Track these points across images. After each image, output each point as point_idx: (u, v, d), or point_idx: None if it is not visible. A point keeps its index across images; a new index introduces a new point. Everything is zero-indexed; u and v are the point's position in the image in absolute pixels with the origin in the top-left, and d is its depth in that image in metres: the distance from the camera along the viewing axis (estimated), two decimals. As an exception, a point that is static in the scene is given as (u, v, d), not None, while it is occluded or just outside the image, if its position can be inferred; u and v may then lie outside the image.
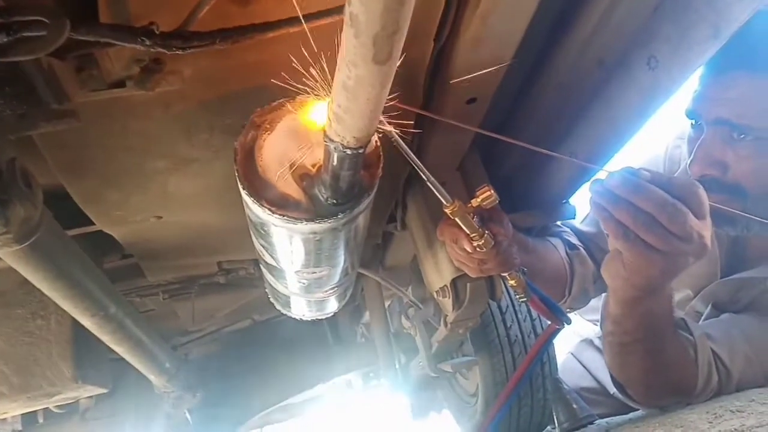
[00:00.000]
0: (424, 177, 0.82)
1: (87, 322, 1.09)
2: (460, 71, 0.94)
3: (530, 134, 1.22)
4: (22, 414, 1.85)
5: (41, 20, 0.50)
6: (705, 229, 0.92)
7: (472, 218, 0.91)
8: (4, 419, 1.82)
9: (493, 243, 0.94)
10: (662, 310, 1.10)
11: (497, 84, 1.01)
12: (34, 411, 1.89)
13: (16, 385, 1.31)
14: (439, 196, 0.85)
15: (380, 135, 0.73)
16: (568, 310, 1.62)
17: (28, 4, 0.50)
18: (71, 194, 1.02)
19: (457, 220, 0.89)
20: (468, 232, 0.92)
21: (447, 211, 0.87)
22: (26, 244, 0.81)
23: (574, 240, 1.62)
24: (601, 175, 0.97)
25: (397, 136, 0.73)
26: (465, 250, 0.97)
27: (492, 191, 0.89)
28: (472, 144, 1.19)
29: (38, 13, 0.48)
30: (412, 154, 0.79)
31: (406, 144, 0.78)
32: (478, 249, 0.94)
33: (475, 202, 0.89)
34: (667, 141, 1.72)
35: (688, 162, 1.33)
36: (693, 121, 1.35)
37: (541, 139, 1.20)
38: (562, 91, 1.13)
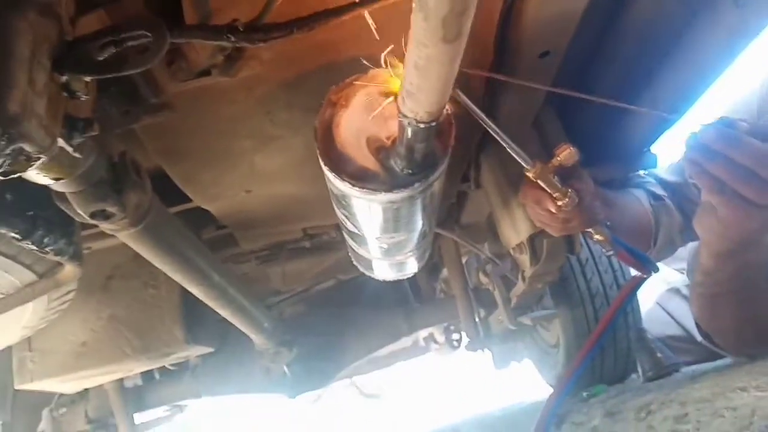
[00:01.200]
0: (504, 144, 0.82)
1: (194, 290, 1.22)
2: (532, 25, 0.93)
3: (609, 83, 1.18)
4: (142, 372, 2.09)
5: (144, 33, 0.56)
6: None
7: (554, 178, 0.89)
8: (129, 376, 2.07)
9: (577, 200, 0.92)
10: (757, 262, 1.05)
11: (571, 34, 0.98)
12: (152, 369, 2.13)
13: (138, 347, 1.49)
14: (520, 161, 0.85)
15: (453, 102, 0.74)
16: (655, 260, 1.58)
17: (132, 20, 0.56)
18: (171, 176, 1.12)
19: (539, 182, 0.88)
20: (551, 192, 0.91)
21: (530, 174, 0.86)
22: (141, 226, 0.91)
23: (659, 190, 1.56)
24: (695, 126, 0.92)
25: (474, 107, 0.74)
26: (549, 210, 0.96)
27: (572, 148, 0.86)
28: (546, 98, 1.17)
29: (142, 27, 0.54)
30: (491, 122, 0.79)
31: (476, 103, 0.78)
32: (563, 208, 0.93)
33: (555, 162, 0.87)
34: (761, 79, 1.59)
35: None
36: None
37: (621, 87, 1.16)
38: (643, 35, 1.07)
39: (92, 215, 0.80)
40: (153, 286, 1.51)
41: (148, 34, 0.54)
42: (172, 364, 2.10)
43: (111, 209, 0.81)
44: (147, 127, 0.97)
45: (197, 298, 1.30)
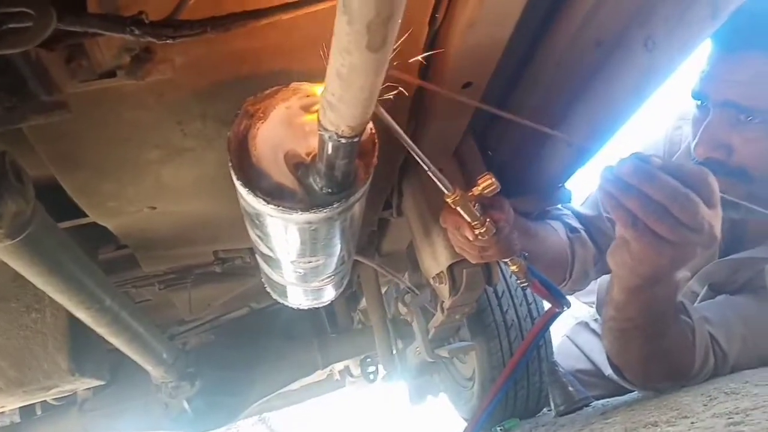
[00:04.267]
0: (424, 167, 0.81)
1: (82, 315, 1.09)
2: (456, 55, 0.93)
3: (525, 117, 1.21)
4: (20, 407, 1.85)
5: (26, 11, 0.48)
6: (715, 218, 0.89)
7: (474, 206, 0.90)
8: (2, 412, 1.82)
9: (494, 230, 0.93)
10: (666, 298, 1.09)
11: (493, 67, 1.00)
12: (32, 404, 1.90)
13: (12, 379, 1.30)
14: (441, 186, 0.84)
15: (375, 123, 0.72)
16: (569, 292, 1.62)
17: (12, -5, 0.48)
18: (64, 186, 1.00)
19: (458, 209, 0.88)
20: (470, 220, 0.91)
21: (449, 200, 0.86)
22: (18, 239, 0.80)
23: (575, 223, 1.62)
24: (611, 161, 0.95)
25: (396, 125, 0.72)
26: (467, 237, 0.97)
27: (493, 179, 0.87)
28: (467, 129, 1.18)
29: (23, 4, 0.47)
30: (413, 144, 0.78)
31: (401, 129, 0.76)
32: (479, 237, 0.94)
33: (476, 191, 0.88)
34: (667, 123, 1.71)
35: (693, 144, 1.31)
36: (699, 102, 1.33)
37: (536, 122, 1.20)
38: (559, 73, 1.12)
39: (-43, 223, 0.69)
40: (36, 310, 1.34)
41: (31, 12, 0.47)
42: (56, 399, 1.88)
43: (-19, 217, 0.70)
44: (38, 129, 0.86)
45: (87, 325, 1.17)
